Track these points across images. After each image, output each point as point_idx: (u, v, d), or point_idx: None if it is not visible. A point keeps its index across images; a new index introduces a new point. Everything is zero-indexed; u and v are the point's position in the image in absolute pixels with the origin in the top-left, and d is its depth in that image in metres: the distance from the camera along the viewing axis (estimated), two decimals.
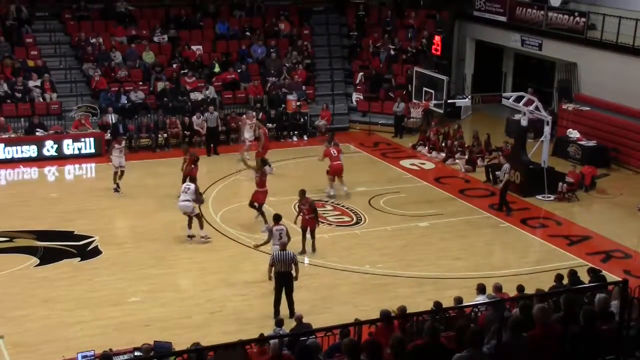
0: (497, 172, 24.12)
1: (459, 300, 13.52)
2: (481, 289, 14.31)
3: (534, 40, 30.04)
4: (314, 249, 18.89)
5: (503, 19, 31.22)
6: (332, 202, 22.23)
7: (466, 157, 25.87)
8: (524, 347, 8.49)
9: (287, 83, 30.26)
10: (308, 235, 18.90)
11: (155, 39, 30.65)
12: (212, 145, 26.72)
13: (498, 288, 14.30)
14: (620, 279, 11.68)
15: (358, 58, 32.59)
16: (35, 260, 18.15)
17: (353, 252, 19.20)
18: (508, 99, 24.68)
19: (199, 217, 19.37)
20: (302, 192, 19.18)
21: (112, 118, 26.94)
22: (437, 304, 12.63)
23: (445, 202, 22.71)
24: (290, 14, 33.31)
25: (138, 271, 17.77)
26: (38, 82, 27.68)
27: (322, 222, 20.83)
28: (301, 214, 18.99)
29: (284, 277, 15.76)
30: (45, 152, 25.48)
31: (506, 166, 22.03)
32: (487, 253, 19.49)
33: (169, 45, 30.62)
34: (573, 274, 14.72)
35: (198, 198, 19.55)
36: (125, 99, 28.07)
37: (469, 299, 13.92)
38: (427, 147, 27.39)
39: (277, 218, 17.31)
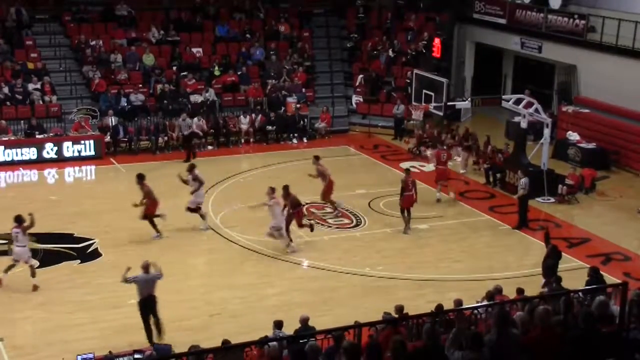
0: (498, 175, 24.18)
1: (458, 302, 13.50)
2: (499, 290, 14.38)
3: (534, 42, 30.04)
4: (408, 228, 20.43)
5: (503, 21, 31.23)
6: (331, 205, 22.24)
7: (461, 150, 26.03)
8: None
9: (287, 85, 30.27)
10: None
11: (153, 39, 30.61)
12: (189, 151, 26.15)
13: (498, 290, 14.31)
14: (620, 282, 11.68)
15: (358, 60, 32.61)
16: (34, 262, 18.10)
17: (353, 254, 19.20)
18: (508, 101, 24.68)
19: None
20: (407, 171, 21.53)
21: (112, 120, 26.94)
22: (439, 307, 12.61)
23: (445, 205, 22.70)
24: (290, 16, 33.34)
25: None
26: (38, 85, 27.70)
27: (322, 224, 20.88)
28: (406, 192, 20.31)
29: (149, 302, 14.65)
30: (45, 155, 25.49)
31: (523, 180, 21.02)
32: (487, 255, 19.47)
33: (169, 47, 30.63)
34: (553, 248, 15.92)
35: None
36: (125, 101, 28.09)
37: (469, 301, 13.89)
38: (423, 147, 27.43)
39: (17, 220, 16.88)
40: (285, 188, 19.28)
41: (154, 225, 19.64)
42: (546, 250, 16.52)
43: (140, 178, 19.69)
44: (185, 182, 20.32)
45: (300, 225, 19.61)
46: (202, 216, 20.34)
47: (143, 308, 14.56)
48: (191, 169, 20.44)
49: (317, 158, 22.00)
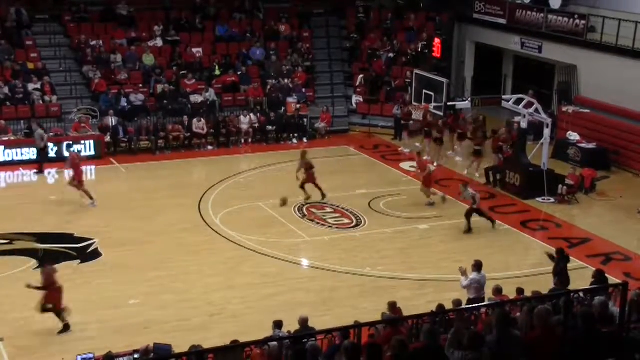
0: (498, 175, 24.18)
1: (458, 302, 13.52)
2: (477, 266, 14.89)
3: (534, 42, 30.03)
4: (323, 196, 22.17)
5: (503, 21, 31.22)
6: (331, 204, 22.24)
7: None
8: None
9: (287, 85, 30.25)
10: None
11: (152, 43, 30.59)
12: (40, 164, 24.58)
13: (498, 290, 14.31)
14: (620, 282, 11.67)
15: (358, 60, 32.61)
16: (35, 262, 18.12)
17: (353, 254, 19.20)
18: (508, 101, 24.66)
19: None
20: (303, 153, 22.47)
21: (112, 120, 26.94)
22: (440, 307, 12.61)
23: (445, 205, 22.67)
24: (290, 16, 33.34)
25: (137, 273, 17.76)
26: (38, 85, 27.69)
27: (322, 224, 20.87)
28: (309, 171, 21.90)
29: None
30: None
31: (469, 192, 20.72)
32: (487, 255, 19.39)
33: (169, 47, 30.62)
34: (561, 253, 16.07)
35: None
36: (125, 101, 28.08)
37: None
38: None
39: None
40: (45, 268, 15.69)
41: None
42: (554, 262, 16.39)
43: None
44: None
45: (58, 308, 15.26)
46: None
47: None
48: None
49: (70, 147, 23.10)
